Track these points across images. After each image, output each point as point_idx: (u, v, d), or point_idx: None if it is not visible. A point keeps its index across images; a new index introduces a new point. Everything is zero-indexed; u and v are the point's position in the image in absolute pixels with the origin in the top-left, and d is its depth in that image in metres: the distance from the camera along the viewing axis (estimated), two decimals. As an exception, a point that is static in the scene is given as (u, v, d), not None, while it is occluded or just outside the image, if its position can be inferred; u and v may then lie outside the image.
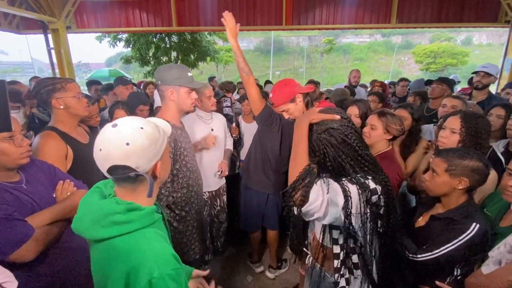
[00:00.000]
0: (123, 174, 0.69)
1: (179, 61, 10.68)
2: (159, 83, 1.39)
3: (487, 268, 0.96)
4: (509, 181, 1.06)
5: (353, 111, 2.01)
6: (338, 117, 0.96)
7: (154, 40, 10.49)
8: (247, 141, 2.68)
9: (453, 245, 1.04)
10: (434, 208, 1.25)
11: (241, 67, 1.72)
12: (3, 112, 0.93)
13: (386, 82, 5.37)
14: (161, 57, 10.71)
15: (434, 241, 1.10)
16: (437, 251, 1.07)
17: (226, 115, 2.72)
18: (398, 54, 44.60)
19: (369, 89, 4.89)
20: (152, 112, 2.61)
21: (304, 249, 1.25)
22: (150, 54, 10.73)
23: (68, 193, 1.13)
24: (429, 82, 2.83)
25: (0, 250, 0.88)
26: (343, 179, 0.93)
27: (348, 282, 1.04)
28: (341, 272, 1.04)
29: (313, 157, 0.97)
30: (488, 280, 0.92)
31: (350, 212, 0.88)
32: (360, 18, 5.93)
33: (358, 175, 0.94)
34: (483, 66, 2.68)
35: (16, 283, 0.78)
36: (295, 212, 0.92)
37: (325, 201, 0.85)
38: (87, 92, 3.65)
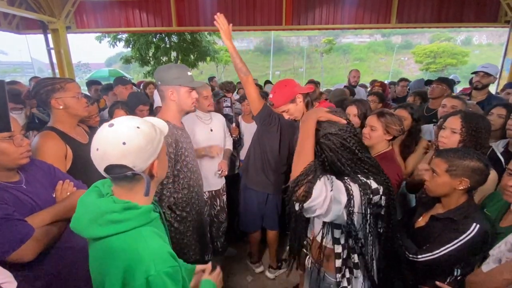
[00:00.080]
0: (120, 173, 0.70)
1: (179, 61, 10.67)
2: (159, 83, 1.39)
3: (487, 266, 0.96)
4: (509, 181, 1.06)
5: (352, 111, 2.02)
6: (344, 121, 0.96)
7: (154, 40, 10.48)
8: (247, 141, 2.68)
9: (453, 245, 1.04)
10: (434, 208, 1.25)
11: (238, 68, 1.73)
12: (2, 112, 0.93)
13: (386, 82, 5.37)
14: (161, 57, 10.70)
15: (434, 242, 1.10)
16: (437, 251, 1.07)
17: (226, 115, 2.72)
18: (398, 54, 44.62)
19: (369, 89, 4.89)
20: (152, 112, 2.60)
21: (304, 249, 1.25)
22: (150, 54, 10.72)
23: (68, 193, 1.13)
24: (429, 82, 2.83)
25: (0, 250, 0.88)
26: (346, 178, 0.93)
27: (349, 282, 1.04)
28: (343, 272, 1.04)
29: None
30: (486, 278, 0.92)
31: (353, 211, 0.88)
32: (360, 18, 5.93)
33: (360, 176, 0.94)
34: (483, 66, 2.68)
35: (15, 283, 0.78)
36: (296, 208, 0.91)
37: (328, 197, 0.84)
38: (87, 92, 3.65)
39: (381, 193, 0.94)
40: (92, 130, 1.70)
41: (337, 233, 1.03)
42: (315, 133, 0.95)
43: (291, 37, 51.40)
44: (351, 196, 0.88)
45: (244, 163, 2.24)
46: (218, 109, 2.75)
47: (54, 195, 1.12)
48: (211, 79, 6.41)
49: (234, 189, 2.64)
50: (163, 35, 10.37)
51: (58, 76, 5.85)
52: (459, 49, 34.62)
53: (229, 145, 2.45)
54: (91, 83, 3.83)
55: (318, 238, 1.09)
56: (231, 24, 1.70)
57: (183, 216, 1.43)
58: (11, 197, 0.97)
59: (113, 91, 3.05)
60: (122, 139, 0.69)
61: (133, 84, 4.38)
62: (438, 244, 1.08)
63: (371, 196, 0.92)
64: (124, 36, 10.23)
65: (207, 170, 2.18)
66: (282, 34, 48.67)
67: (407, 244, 1.18)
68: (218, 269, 1.03)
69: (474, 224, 1.04)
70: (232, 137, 2.57)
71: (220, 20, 1.66)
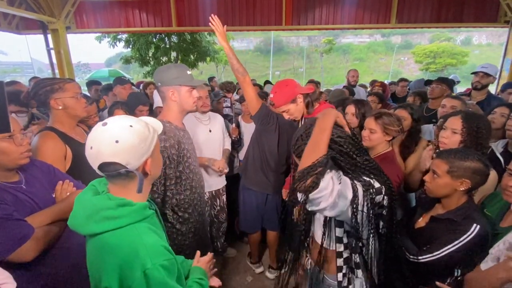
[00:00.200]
0: (114, 171, 0.72)
1: (178, 61, 10.66)
2: (159, 84, 1.38)
3: (485, 265, 0.96)
4: (510, 181, 1.06)
5: (350, 110, 2.03)
6: (349, 132, 1.00)
7: (154, 40, 10.47)
8: (247, 141, 2.68)
9: (453, 246, 1.04)
10: (434, 209, 1.25)
11: (235, 68, 1.73)
12: (1, 113, 0.92)
13: (386, 82, 5.37)
14: (161, 58, 10.70)
15: (435, 243, 1.10)
16: (437, 252, 1.07)
17: (226, 116, 2.72)
18: (398, 54, 44.62)
19: (368, 89, 4.89)
20: (152, 112, 2.60)
21: (304, 251, 1.25)
22: (150, 54, 10.71)
23: (68, 193, 1.13)
24: (428, 82, 2.83)
25: (0, 249, 0.88)
26: (350, 176, 0.93)
27: (350, 282, 1.04)
28: (344, 271, 1.04)
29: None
30: (483, 276, 0.92)
31: (357, 208, 0.88)
32: (360, 18, 5.93)
33: (362, 176, 0.95)
34: (482, 66, 2.68)
35: (14, 284, 0.78)
36: (299, 199, 0.90)
37: (335, 191, 0.83)
38: (87, 93, 3.65)
39: (383, 192, 0.94)
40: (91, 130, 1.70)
41: (339, 232, 1.02)
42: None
43: (291, 37, 51.40)
44: (356, 193, 0.88)
45: (243, 163, 2.24)
46: (218, 109, 2.75)
47: (53, 195, 1.12)
48: (211, 79, 6.41)
49: (234, 189, 2.64)
50: (163, 35, 10.36)
51: (58, 76, 5.85)
52: (458, 49, 34.61)
53: (228, 145, 2.45)
54: (91, 83, 3.84)
55: (318, 240, 1.09)
56: (225, 26, 1.71)
57: (185, 217, 1.42)
58: (11, 197, 0.97)
59: (113, 91, 3.06)
60: (115, 137, 0.71)
61: (132, 83, 4.38)
62: (439, 245, 1.08)
63: (374, 195, 0.92)
64: (124, 36, 10.22)
65: (207, 170, 2.18)
66: (282, 34, 48.67)
67: (408, 245, 1.18)
68: (208, 256, 1.06)
69: (475, 225, 1.04)
70: (232, 137, 2.57)
71: (215, 22, 1.67)
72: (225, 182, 2.37)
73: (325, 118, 0.95)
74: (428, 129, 2.20)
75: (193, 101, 1.42)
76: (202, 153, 2.13)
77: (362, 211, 0.91)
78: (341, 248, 1.03)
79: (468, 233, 1.04)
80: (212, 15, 1.67)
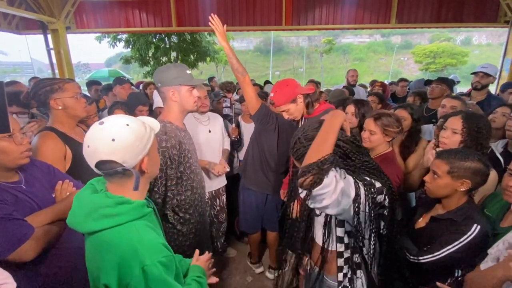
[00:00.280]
0: (110, 169, 0.73)
1: (178, 61, 10.66)
2: (159, 85, 1.37)
3: (485, 265, 0.96)
4: (510, 182, 1.06)
5: (350, 110, 2.04)
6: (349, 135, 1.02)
7: (154, 40, 10.47)
8: (247, 141, 2.68)
9: (454, 246, 1.04)
10: (434, 209, 1.25)
11: (235, 68, 1.73)
12: (1, 113, 0.92)
13: (386, 82, 5.37)
14: (161, 58, 10.70)
15: (435, 243, 1.10)
16: (438, 253, 1.07)
17: (226, 116, 2.72)
18: (398, 54, 44.62)
19: (368, 89, 4.89)
20: (152, 112, 2.60)
21: (304, 252, 1.25)
22: (150, 55, 10.72)
23: (68, 193, 1.13)
24: (428, 82, 2.83)
25: (0, 249, 0.88)
26: (352, 176, 0.94)
27: (350, 282, 1.04)
28: (344, 271, 1.04)
29: None
30: (483, 276, 0.92)
31: (359, 207, 0.88)
32: (360, 18, 5.93)
33: (363, 176, 0.95)
34: (482, 66, 2.68)
35: (14, 284, 0.78)
36: (301, 195, 0.90)
37: (338, 188, 0.83)
38: (87, 93, 3.65)
39: (384, 192, 0.95)
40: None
41: (340, 232, 1.02)
42: None
43: (291, 37, 51.40)
44: (359, 192, 0.89)
45: (243, 163, 2.24)
46: (218, 110, 2.75)
47: (53, 195, 1.12)
48: (211, 79, 6.40)
49: (234, 189, 2.64)
50: (163, 35, 10.36)
51: (58, 76, 5.85)
52: (458, 49, 34.62)
53: (227, 145, 2.45)
54: (91, 83, 3.84)
55: (319, 241, 1.09)
56: (225, 25, 1.71)
57: (186, 218, 1.42)
58: (11, 197, 0.97)
59: (112, 92, 3.06)
60: (112, 136, 0.72)
61: (131, 83, 4.38)
62: (439, 245, 1.08)
63: (375, 195, 0.92)
64: (124, 36, 10.22)
65: (206, 170, 2.18)
66: (282, 34, 48.68)
67: (408, 245, 1.17)
68: (207, 255, 1.07)
69: (475, 225, 1.04)
70: (232, 137, 2.57)
71: (215, 21, 1.67)
72: (225, 182, 2.37)
73: (333, 118, 0.96)
74: (428, 129, 2.20)
75: (193, 101, 1.41)
76: (202, 154, 2.13)
77: (364, 210, 0.91)
78: (342, 248, 1.03)
79: (469, 233, 1.04)
80: (212, 14, 1.67)
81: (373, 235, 0.97)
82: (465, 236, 1.04)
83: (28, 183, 1.06)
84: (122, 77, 3.78)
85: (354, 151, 0.97)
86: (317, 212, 1.09)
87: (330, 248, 1.05)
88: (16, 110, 1.91)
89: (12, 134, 0.97)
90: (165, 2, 6.12)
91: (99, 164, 0.73)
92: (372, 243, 0.99)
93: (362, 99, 2.27)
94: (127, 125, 0.75)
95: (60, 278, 1.07)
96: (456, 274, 1.10)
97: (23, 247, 0.91)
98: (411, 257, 1.13)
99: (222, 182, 2.34)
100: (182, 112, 1.43)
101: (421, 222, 1.27)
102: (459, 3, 5.52)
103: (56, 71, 5.96)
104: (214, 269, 1.10)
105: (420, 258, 1.10)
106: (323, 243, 1.05)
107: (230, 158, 2.61)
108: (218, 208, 2.34)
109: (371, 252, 1.00)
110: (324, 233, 1.04)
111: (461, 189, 1.10)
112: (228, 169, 2.20)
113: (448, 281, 1.10)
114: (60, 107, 1.35)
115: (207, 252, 1.09)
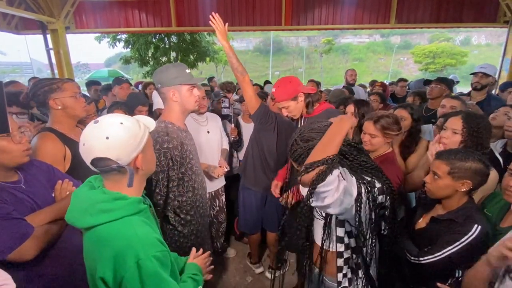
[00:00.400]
0: (105, 166, 0.76)
1: (178, 61, 10.65)
2: (159, 86, 1.36)
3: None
4: (510, 181, 1.06)
5: (350, 110, 2.04)
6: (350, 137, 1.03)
7: (154, 40, 10.47)
8: (247, 141, 2.68)
9: (455, 247, 1.04)
10: (434, 209, 1.24)
11: (235, 67, 1.73)
12: (0, 113, 0.92)
13: (386, 82, 5.38)
14: (160, 58, 10.70)
15: (436, 244, 1.10)
16: (439, 253, 1.06)
17: (226, 116, 2.72)
18: (397, 54, 44.64)
19: (368, 89, 4.89)
20: (151, 113, 2.60)
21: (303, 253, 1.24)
22: (150, 55, 10.72)
23: (67, 193, 1.13)
24: (427, 82, 2.83)
25: (0, 249, 0.88)
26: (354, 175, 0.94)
27: (350, 282, 1.04)
28: (344, 272, 1.03)
29: None
30: (475, 268, 0.93)
31: (361, 206, 0.89)
32: (359, 19, 5.93)
33: (364, 175, 0.95)
34: (481, 66, 2.68)
35: (14, 285, 0.78)
36: (303, 193, 0.90)
37: (341, 187, 0.83)
38: (86, 93, 3.65)
39: (385, 192, 0.95)
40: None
41: (340, 232, 1.02)
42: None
43: (290, 37, 51.41)
44: (360, 191, 0.89)
45: (242, 163, 2.24)
46: (218, 110, 2.75)
47: (53, 195, 1.12)
48: (210, 79, 6.40)
49: (233, 189, 2.64)
50: (163, 35, 10.36)
51: (57, 76, 5.84)
52: (458, 49, 34.64)
53: (226, 145, 2.45)
54: (91, 83, 3.83)
55: (318, 241, 1.08)
56: (227, 24, 1.70)
57: (188, 219, 1.41)
58: (10, 197, 0.97)
59: (112, 92, 3.06)
60: (106, 134, 0.75)
61: (129, 83, 4.38)
62: (440, 246, 1.08)
63: (376, 195, 0.92)
64: (124, 36, 10.22)
65: (206, 173, 2.17)
66: (282, 34, 48.69)
67: (409, 246, 1.17)
68: (205, 253, 1.08)
69: (476, 225, 1.04)
70: (231, 138, 2.57)
71: (216, 20, 1.66)
72: (224, 183, 2.37)
73: (342, 122, 0.97)
74: (428, 129, 2.20)
75: (194, 100, 1.40)
76: (201, 154, 2.12)
77: (365, 210, 0.91)
78: (341, 248, 1.03)
79: (469, 234, 1.03)
80: (213, 13, 1.66)
81: (373, 235, 0.97)
82: (466, 237, 1.03)
83: (28, 183, 1.05)
84: (121, 77, 3.77)
85: (351, 152, 0.97)
86: (317, 215, 1.09)
87: (330, 249, 1.05)
88: (16, 110, 1.90)
89: (10, 133, 0.97)
90: (164, 2, 6.12)
91: (94, 161, 0.75)
92: (372, 244, 0.98)
93: (363, 99, 2.27)
94: (121, 123, 0.77)
95: (59, 278, 1.07)
96: (456, 275, 1.09)
97: (23, 246, 0.91)
98: (412, 257, 1.13)
99: (221, 182, 2.34)
100: (183, 113, 1.42)
101: (421, 222, 1.26)
102: (459, 3, 5.53)
103: (56, 71, 5.95)
104: (212, 267, 1.10)
105: (421, 259, 1.10)
106: (323, 243, 1.05)
107: (229, 158, 2.61)
108: (217, 208, 2.34)
109: (371, 252, 1.00)
110: (323, 234, 1.04)
111: (462, 190, 1.10)
112: (228, 169, 2.19)
113: (449, 281, 1.10)
114: (59, 107, 1.35)
115: (201, 250, 1.10)
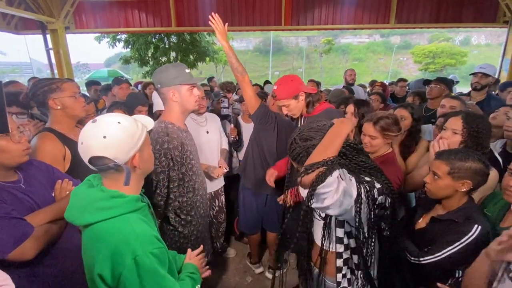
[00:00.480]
0: (103, 165, 0.76)
1: (178, 61, 10.65)
2: (159, 86, 1.35)
3: None
4: (510, 181, 1.06)
5: (350, 109, 2.04)
6: (352, 138, 1.04)
7: (153, 40, 10.47)
8: (247, 141, 2.68)
9: (455, 247, 1.04)
10: (434, 209, 1.24)
11: (235, 67, 1.73)
12: (0, 113, 0.92)
13: (385, 82, 5.38)
14: (160, 58, 10.70)
15: (436, 244, 1.10)
16: (439, 254, 1.06)
17: (226, 116, 2.71)
18: (397, 54, 44.64)
19: (368, 89, 4.89)
20: (151, 113, 2.59)
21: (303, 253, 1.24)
22: (149, 55, 10.71)
23: (67, 192, 1.13)
24: (427, 82, 2.83)
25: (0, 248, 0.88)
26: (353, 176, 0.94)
27: (350, 282, 1.04)
28: (343, 272, 1.03)
29: None
30: (474, 265, 0.93)
31: (361, 207, 0.89)
32: (359, 19, 5.93)
33: (363, 176, 0.95)
34: (481, 66, 2.68)
35: (13, 286, 0.77)
36: (302, 194, 0.90)
37: (341, 188, 0.83)
38: (86, 93, 3.64)
39: (385, 192, 0.95)
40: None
41: (340, 232, 1.02)
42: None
43: (290, 37, 51.41)
44: (360, 191, 0.89)
45: (242, 163, 2.24)
46: (218, 110, 2.75)
47: (53, 194, 1.12)
48: (210, 79, 6.40)
49: (233, 190, 2.64)
50: (162, 35, 10.36)
51: (57, 76, 5.84)
52: (457, 49, 34.64)
53: (225, 145, 2.45)
54: (90, 83, 3.83)
55: (318, 242, 1.08)
56: (226, 24, 1.70)
57: (188, 220, 1.41)
58: (10, 197, 0.97)
59: (112, 92, 3.07)
60: (103, 133, 0.76)
61: (129, 83, 4.38)
62: (440, 246, 1.08)
63: (376, 195, 0.92)
64: (123, 36, 10.22)
65: (206, 174, 2.17)
66: (281, 34, 48.68)
67: (409, 246, 1.17)
68: (198, 252, 1.09)
69: (476, 225, 1.04)
70: (231, 138, 2.56)
71: (216, 20, 1.66)
72: (223, 183, 2.37)
73: (343, 124, 0.98)
74: (427, 129, 2.20)
75: (194, 100, 1.39)
76: (200, 155, 2.12)
77: (365, 211, 0.91)
78: (341, 248, 1.03)
79: (470, 234, 1.03)
80: (212, 13, 1.66)
81: (373, 236, 0.97)
82: (466, 237, 1.03)
83: (27, 183, 1.05)
84: (120, 77, 3.77)
85: (350, 153, 0.97)
86: (317, 216, 1.09)
87: (329, 249, 1.05)
88: (16, 110, 1.90)
89: (9, 133, 0.97)
90: (164, 2, 6.11)
91: (92, 160, 0.76)
92: (372, 244, 0.98)
93: (363, 99, 2.27)
94: (119, 122, 0.78)
95: (59, 279, 1.07)
96: (456, 275, 1.09)
97: (23, 246, 0.91)
98: (412, 258, 1.13)
99: (220, 182, 2.34)
100: (183, 113, 1.42)
101: (421, 222, 1.26)
102: (458, 3, 5.53)
103: (55, 71, 5.95)
104: (207, 267, 1.12)
105: (421, 259, 1.10)
106: (322, 243, 1.04)
107: (229, 158, 2.61)
108: (217, 208, 2.33)
109: (371, 253, 1.00)
110: (323, 235, 1.04)
111: (462, 190, 1.10)
112: (227, 170, 2.19)
113: (449, 281, 1.10)
114: (59, 107, 1.35)
115: (197, 251, 1.10)
